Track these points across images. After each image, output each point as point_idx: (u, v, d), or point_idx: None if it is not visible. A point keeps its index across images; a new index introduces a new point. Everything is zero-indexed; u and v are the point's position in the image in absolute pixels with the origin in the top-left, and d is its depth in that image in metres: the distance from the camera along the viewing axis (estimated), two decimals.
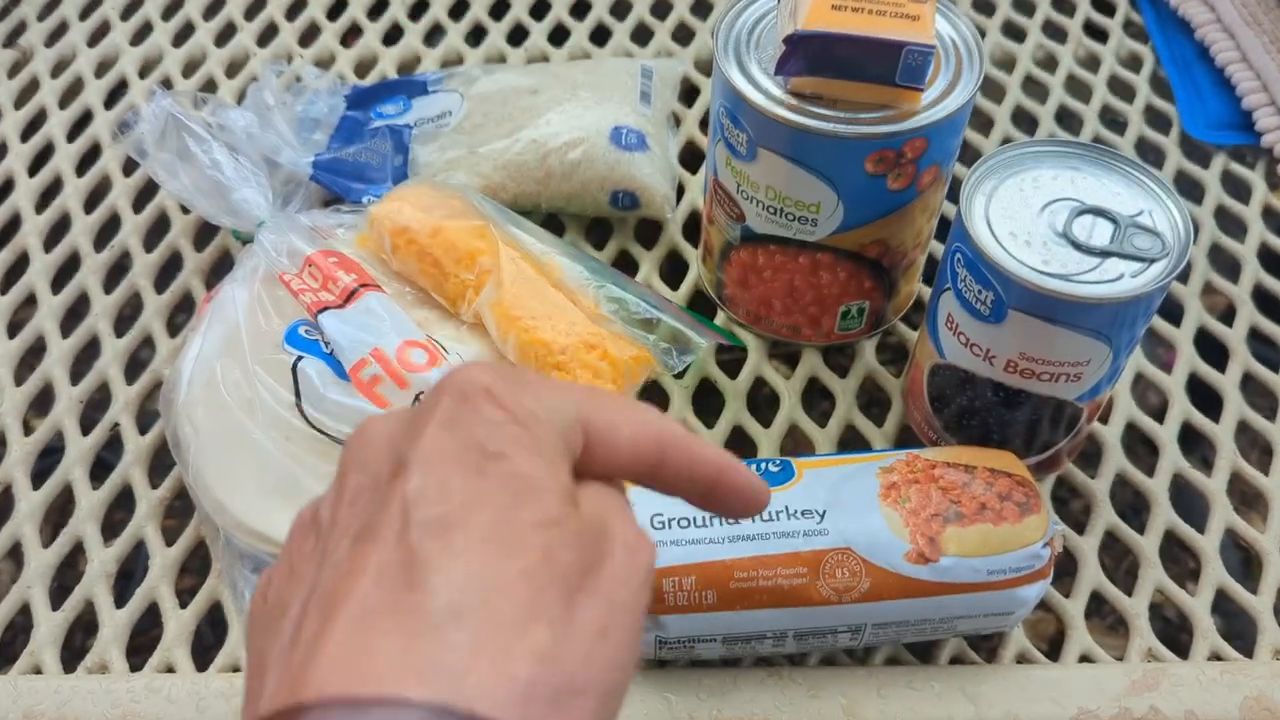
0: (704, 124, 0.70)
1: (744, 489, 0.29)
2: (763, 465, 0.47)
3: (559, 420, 0.26)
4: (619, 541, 0.25)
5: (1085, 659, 0.48)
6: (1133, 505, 0.55)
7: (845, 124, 0.47)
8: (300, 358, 0.52)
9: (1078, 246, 0.45)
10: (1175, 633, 0.50)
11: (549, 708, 0.21)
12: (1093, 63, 0.75)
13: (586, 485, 0.26)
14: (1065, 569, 0.49)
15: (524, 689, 0.21)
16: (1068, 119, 0.71)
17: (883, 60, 0.46)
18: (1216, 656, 0.48)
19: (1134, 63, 0.75)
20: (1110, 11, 0.78)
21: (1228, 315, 0.61)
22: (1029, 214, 0.46)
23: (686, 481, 0.29)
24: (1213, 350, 0.60)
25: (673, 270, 0.63)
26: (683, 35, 0.76)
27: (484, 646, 0.21)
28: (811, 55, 0.47)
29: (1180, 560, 0.52)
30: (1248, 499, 0.56)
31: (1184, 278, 0.62)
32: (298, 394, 0.51)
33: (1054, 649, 0.49)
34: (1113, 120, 0.71)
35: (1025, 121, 0.71)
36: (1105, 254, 0.44)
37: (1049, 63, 0.75)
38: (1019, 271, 0.44)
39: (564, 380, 0.26)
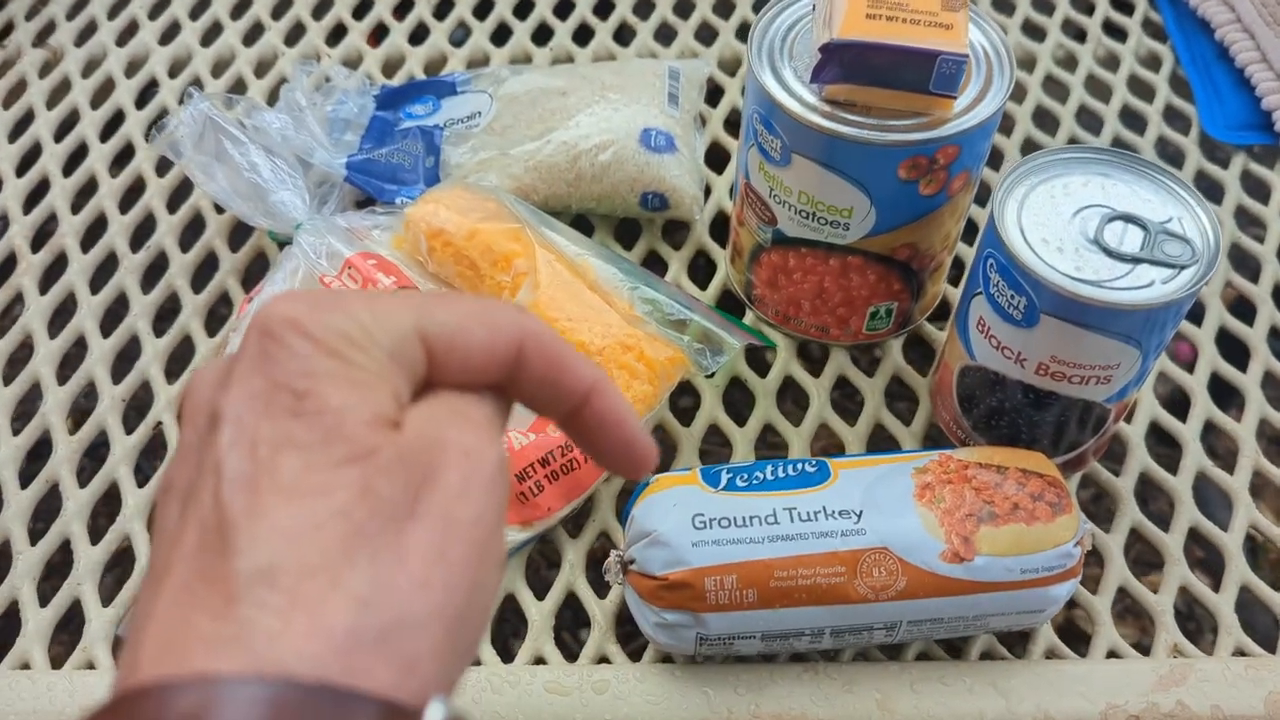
0: (729, 124, 0.71)
1: (620, 423, 0.27)
2: (799, 465, 0.48)
3: (387, 338, 0.24)
4: (455, 452, 0.23)
5: (1113, 654, 0.50)
6: (1143, 497, 0.56)
7: (879, 131, 0.48)
8: None
9: (1109, 253, 0.45)
10: (1182, 621, 0.51)
11: (377, 651, 0.20)
12: (1112, 62, 0.75)
13: (424, 400, 0.25)
14: (1090, 564, 0.50)
15: (344, 637, 0.20)
16: (1088, 119, 0.72)
17: (917, 69, 0.47)
18: (1241, 652, 0.50)
19: (1153, 62, 0.76)
20: (1130, 10, 0.79)
21: (1246, 312, 0.62)
22: (1060, 220, 0.47)
23: (550, 390, 0.26)
24: (1234, 349, 0.61)
25: (701, 270, 0.64)
26: (706, 35, 0.77)
27: (297, 602, 0.20)
28: (847, 64, 0.48)
29: (1188, 550, 0.53)
30: (1259, 491, 0.57)
31: None
32: None
33: (1063, 636, 0.50)
34: (1133, 120, 0.72)
35: (1046, 121, 0.72)
36: (1136, 260, 0.45)
37: (1069, 62, 0.75)
38: (1051, 277, 0.45)
39: (401, 291, 0.25)
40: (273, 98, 0.73)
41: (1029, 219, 0.47)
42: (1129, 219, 0.47)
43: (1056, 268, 0.45)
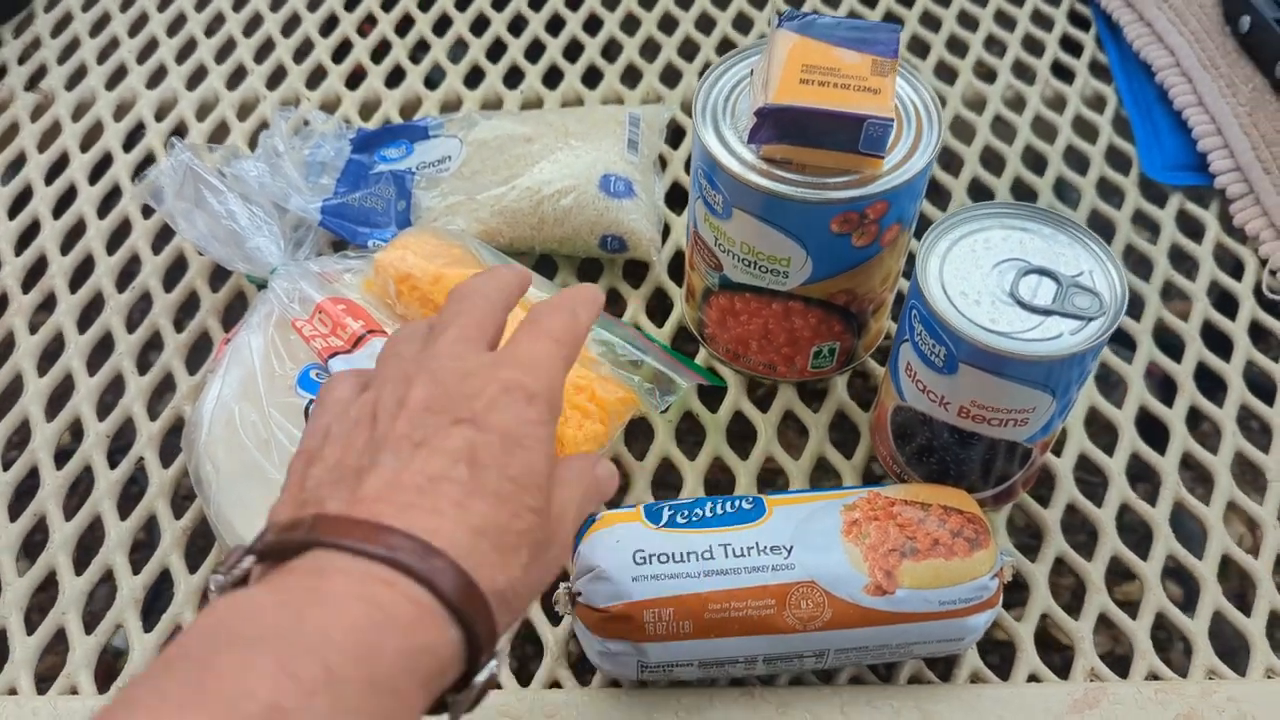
0: (690, 164, 0.74)
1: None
2: (737, 503, 0.51)
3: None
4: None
5: (1033, 678, 0.53)
6: (1073, 527, 0.59)
7: (812, 189, 0.51)
8: (313, 401, 0.56)
9: (1023, 305, 0.49)
10: (1159, 644, 0.55)
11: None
12: (1059, 103, 0.79)
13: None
14: (1018, 590, 0.53)
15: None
16: (1033, 159, 0.75)
17: (846, 131, 0.51)
18: (1154, 676, 0.53)
19: (1098, 103, 0.79)
20: (1078, 52, 0.82)
21: (1176, 350, 0.65)
22: (980, 273, 0.50)
23: None
24: (1161, 384, 0.64)
25: (659, 307, 0.68)
26: (670, 77, 0.81)
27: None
28: (780, 126, 0.51)
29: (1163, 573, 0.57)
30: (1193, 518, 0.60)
31: (1135, 316, 0.66)
32: None
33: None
34: (1076, 160, 0.75)
35: (992, 162, 0.75)
36: (1047, 312, 0.48)
37: (1018, 103, 0.79)
38: (968, 330, 0.48)
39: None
40: (254, 139, 0.76)
41: (950, 272, 0.50)
42: (1043, 272, 0.50)
43: (973, 320, 0.48)
